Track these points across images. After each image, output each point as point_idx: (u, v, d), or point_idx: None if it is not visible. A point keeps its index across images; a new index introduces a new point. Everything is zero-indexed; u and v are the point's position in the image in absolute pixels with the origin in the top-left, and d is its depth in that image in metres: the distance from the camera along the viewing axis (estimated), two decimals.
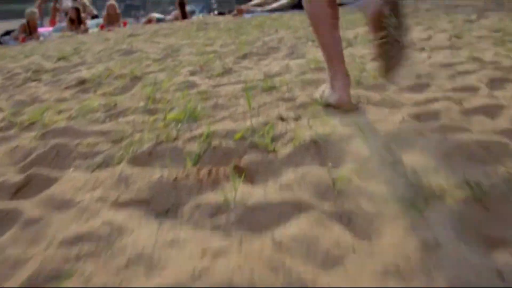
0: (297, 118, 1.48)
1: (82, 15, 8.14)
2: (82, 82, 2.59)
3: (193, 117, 1.61)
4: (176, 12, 8.91)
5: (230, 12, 7.64)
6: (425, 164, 1.12)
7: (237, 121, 1.53)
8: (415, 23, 3.62)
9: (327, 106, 1.57)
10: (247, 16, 6.15)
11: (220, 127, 1.47)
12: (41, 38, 7.43)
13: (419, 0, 6.44)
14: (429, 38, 2.87)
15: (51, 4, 11.82)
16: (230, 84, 2.01)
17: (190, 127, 1.53)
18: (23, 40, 7.16)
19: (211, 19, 5.74)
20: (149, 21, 8.79)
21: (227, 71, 2.25)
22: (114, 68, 2.80)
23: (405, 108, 1.52)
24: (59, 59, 3.65)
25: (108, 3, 8.40)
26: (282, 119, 1.49)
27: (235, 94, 1.84)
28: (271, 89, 1.85)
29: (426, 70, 1.98)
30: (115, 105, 1.95)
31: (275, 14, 6.24)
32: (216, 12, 9.72)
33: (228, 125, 1.49)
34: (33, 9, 7.81)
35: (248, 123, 1.46)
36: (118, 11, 8.48)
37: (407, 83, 1.81)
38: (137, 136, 1.53)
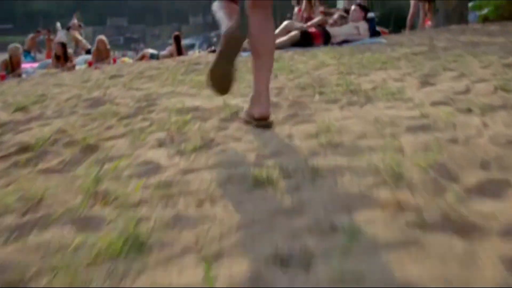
0: (308, 263, 0.86)
1: (69, 50, 7.64)
2: (24, 149, 1.99)
3: (137, 247, 0.99)
4: (171, 48, 8.42)
5: None
6: None
7: (206, 259, 0.91)
8: (441, 68, 3.01)
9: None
10: (243, 54, 5.59)
11: (173, 279, 0.85)
12: (24, 76, 6.90)
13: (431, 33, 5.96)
14: (467, 90, 2.27)
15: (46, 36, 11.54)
16: (206, 169, 1.40)
17: (127, 270, 0.91)
18: (3, 78, 6.62)
19: (204, 58, 5.18)
20: (143, 57, 8.28)
21: (206, 144, 1.64)
22: (69, 129, 2.20)
23: (488, 241, 0.90)
24: (17, 109, 3.07)
25: (98, 38, 7.92)
26: (282, 264, 0.87)
27: (211, 193, 1.22)
28: (264, 184, 1.24)
29: (491, 151, 1.36)
30: (40, 201, 1.34)
31: (274, 53, 5.66)
32: (213, 47, 9.22)
33: (188, 273, 0.87)
34: (16, 44, 7.31)
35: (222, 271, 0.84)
36: (108, 46, 7.98)
37: (472, 178, 1.19)
38: (40, 283, 0.91)
